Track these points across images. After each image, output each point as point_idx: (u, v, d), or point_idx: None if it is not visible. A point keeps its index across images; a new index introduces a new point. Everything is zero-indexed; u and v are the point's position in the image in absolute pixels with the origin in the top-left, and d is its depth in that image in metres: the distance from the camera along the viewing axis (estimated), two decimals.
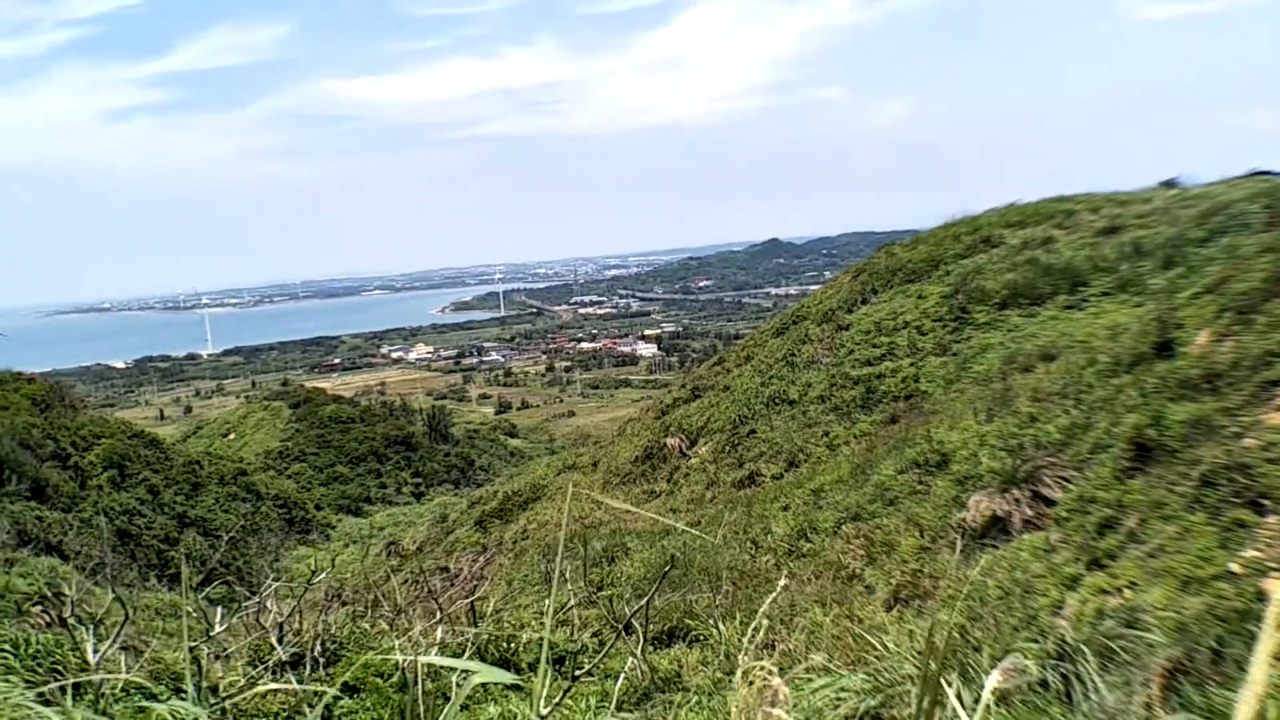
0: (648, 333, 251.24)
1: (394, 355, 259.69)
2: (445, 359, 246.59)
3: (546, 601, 7.00)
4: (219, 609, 7.28)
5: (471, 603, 8.00)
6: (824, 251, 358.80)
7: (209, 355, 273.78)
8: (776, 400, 26.45)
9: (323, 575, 6.62)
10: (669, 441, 28.75)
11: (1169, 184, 31.73)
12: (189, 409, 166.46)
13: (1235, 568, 7.59)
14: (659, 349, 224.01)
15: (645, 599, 6.72)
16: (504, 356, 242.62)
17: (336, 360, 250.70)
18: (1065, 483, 11.30)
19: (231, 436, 79.66)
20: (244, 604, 7.68)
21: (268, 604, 7.45)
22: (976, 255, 27.25)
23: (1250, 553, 7.64)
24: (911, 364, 23.28)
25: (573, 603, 7.75)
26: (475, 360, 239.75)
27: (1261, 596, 6.75)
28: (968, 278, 25.25)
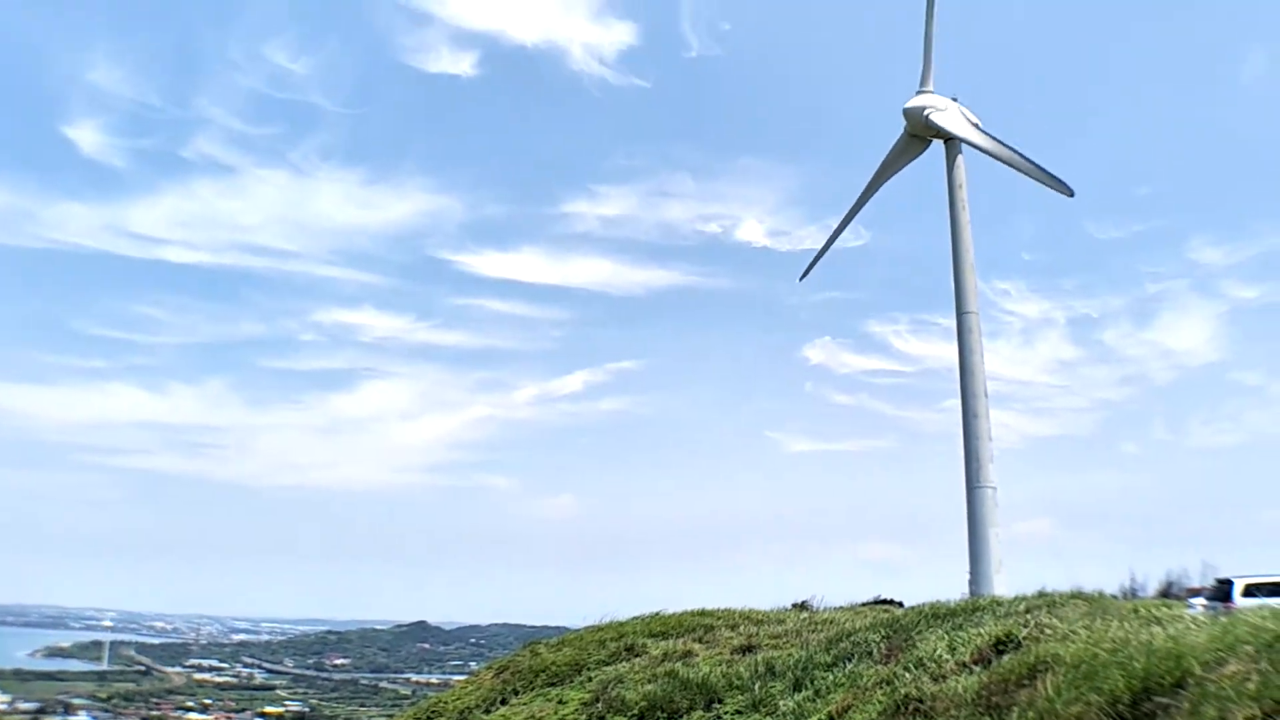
0: (269, 709, 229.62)
1: None
2: (23, 713, 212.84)
3: None
4: None
5: None
6: (472, 640, 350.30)
7: None
8: None
9: None
10: None
11: (801, 606, 33.83)
12: None
13: None
14: None
15: None
16: (95, 718, 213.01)
17: None
18: None
19: None
20: None
21: None
22: (619, 663, 27.18)
23: None
24: None
25: None
26: (59, 718, 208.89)
27: None
28: (609, 685, 24.92)
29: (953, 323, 37.13)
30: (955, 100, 39.81)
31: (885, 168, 41.57)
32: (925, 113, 39.52)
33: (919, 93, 39.97)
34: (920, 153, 40.92)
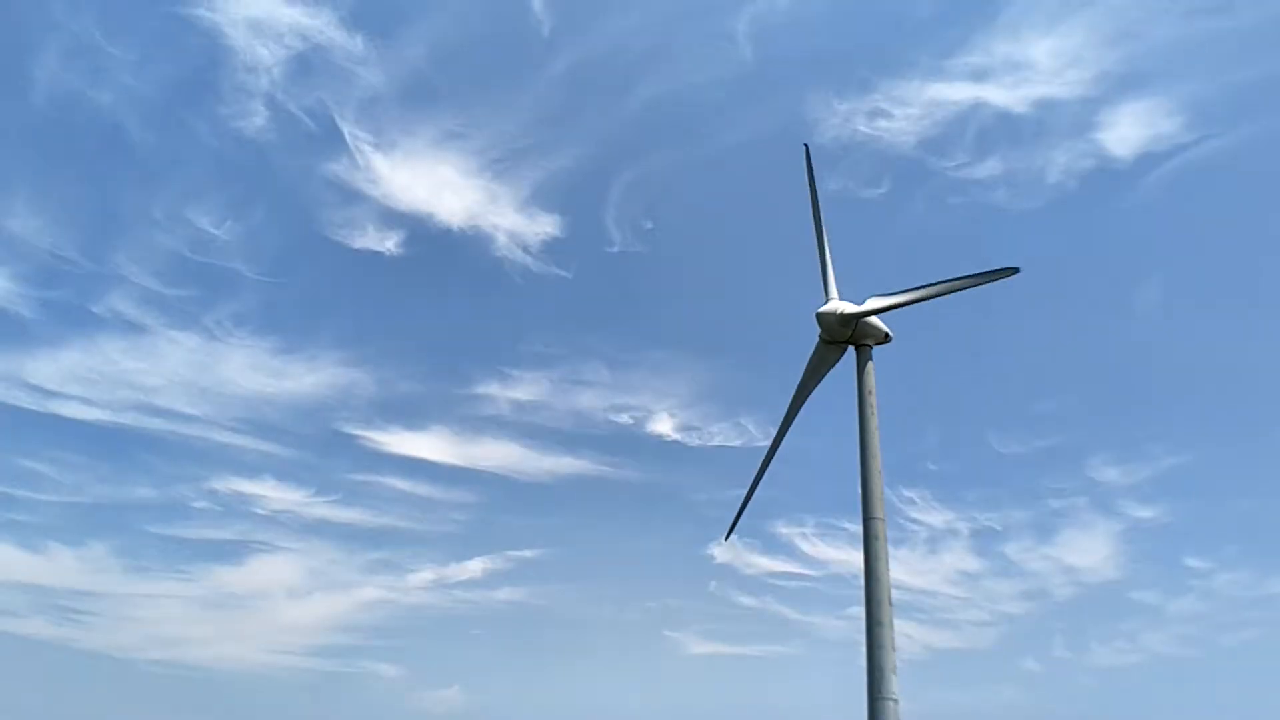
0: None
1: None
2: None
3: None
4: None
5: None
6: None
7: None
8: None
9: None
10: None
11: None
12: None
13: None
14: None
15: None
16: None
17: None
18: None
19: None
20: None
21: None
22: None
23: None
24: None
25: None
26: None
27: None
28: None
29: (859, 528, 37.02)
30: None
31: (806, 381, 42.15)
32: (837, 312, 40.74)
33: (827, 300, 41.36)
34: (838, 359, 41.58)
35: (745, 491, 44.53)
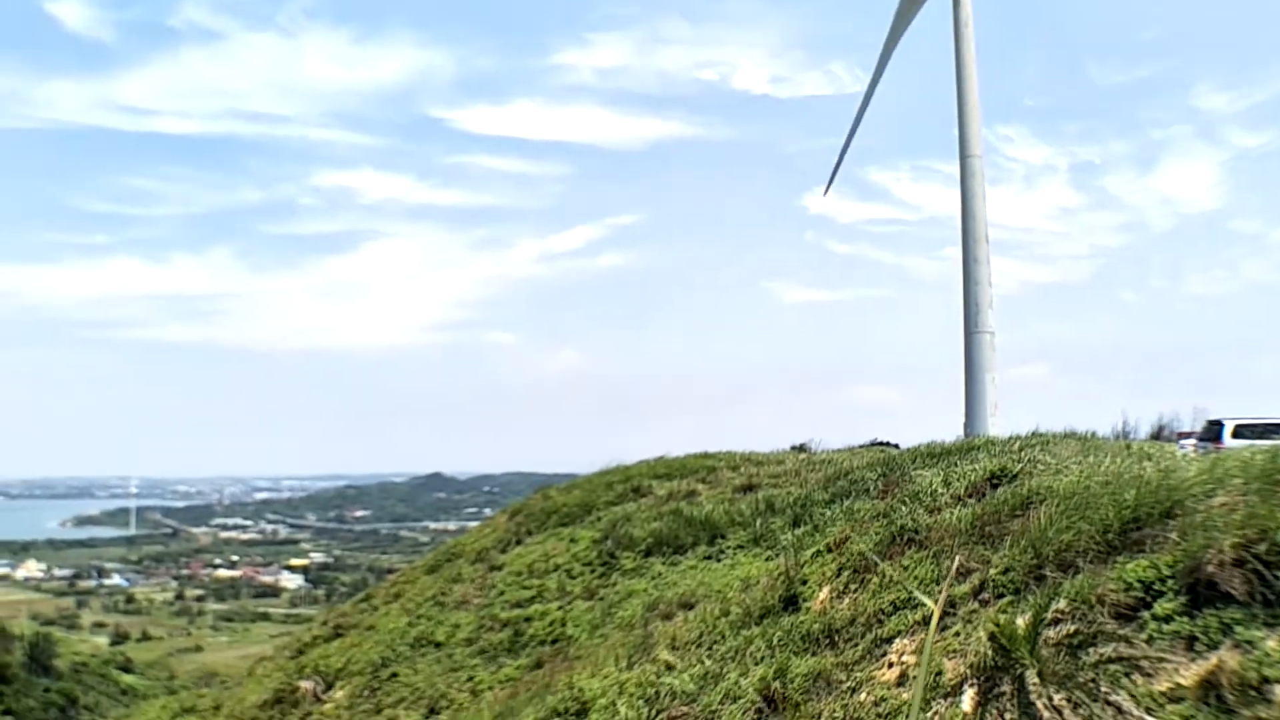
0: (295, 562, 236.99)
1: None
2: (59, 579, 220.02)
3: None
4: None
5: None
6: (486, 489, 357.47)
7: None
8: (422, 641, 25.32)
9: None
10: (302, 685, 26.57)
11: (800, 448, 34.65)
12: None
13: None
14: (305, 580, 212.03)
15: None
16: (128, 580, 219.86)
17: None
18: None
19: None
20: None
21: None
22: (626, 503, 28.15)
23: None
24: (560, 608, 23.18)
25: None
26: (94, 583, 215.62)
27: None
28: (617, 524, 25.89)
29: (955, 168, 36.67)
30: None
31: (899, 21, 39.64)
32: None
33: None
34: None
35: (842, 141, 43.49)
